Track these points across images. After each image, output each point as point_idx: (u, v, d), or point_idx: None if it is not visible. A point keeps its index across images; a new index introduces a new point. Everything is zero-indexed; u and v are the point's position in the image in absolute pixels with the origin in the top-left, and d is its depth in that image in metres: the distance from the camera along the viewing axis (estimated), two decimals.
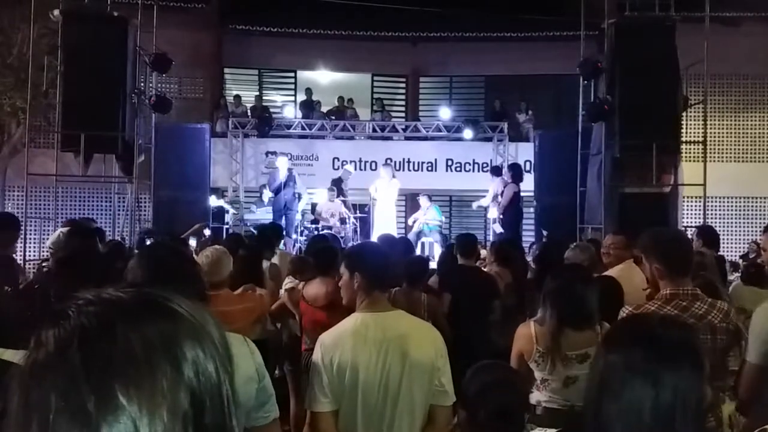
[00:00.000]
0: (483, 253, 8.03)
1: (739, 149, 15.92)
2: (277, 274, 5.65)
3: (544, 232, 10.61)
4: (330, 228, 11.74)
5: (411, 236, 11.86)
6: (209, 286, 3.49)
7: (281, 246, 7.73)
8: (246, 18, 16.54)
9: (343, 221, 12.13)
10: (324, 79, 18.00)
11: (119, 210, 11.62)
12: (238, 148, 15.46)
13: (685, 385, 1.32)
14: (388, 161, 14.35)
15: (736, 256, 12.44)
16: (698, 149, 10.96)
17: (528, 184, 12.27)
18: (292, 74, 18.15)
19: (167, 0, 13.92)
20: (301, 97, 17.40)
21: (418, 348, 2.61)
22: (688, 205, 13.21)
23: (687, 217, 12.97)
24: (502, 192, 11.20)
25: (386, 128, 16.03)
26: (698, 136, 10.95)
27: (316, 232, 11.28)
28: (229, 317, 3.46)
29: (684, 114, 10.14)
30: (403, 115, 18.10)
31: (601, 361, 1.41)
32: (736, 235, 15.02)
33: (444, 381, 2.63)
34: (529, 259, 7.34)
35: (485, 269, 6.31)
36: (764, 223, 12.78)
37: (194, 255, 4.76)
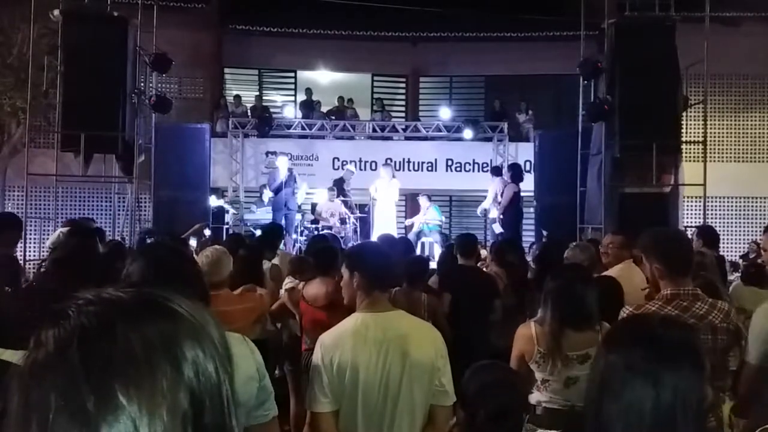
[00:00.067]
0: (483, 253, 8.03)
1: (739, 149, 15.92)
2: (278, 275, 5.65)
3: (544, 232, 10.61)
4: (330, 228, 11.74)
5: (411, 236, 11.86)
6: (209, 286, 3.50)
7: (281, 246, 7.73)
8: (246, 18, 16.54)
9: (343, 221, 12.13)
10: (324, 79, 18.00)
11: (119, 210, 11.62)
12: (238, 148, 15.46)
13: (685, 385, 1.32)
14: (388, 161, 14.35)
15: (736, 256, 12.44)
16: (698, 149, 10.96)
17: (528, 184, 12.28)
18: (292, 74, 18.15)
19: (167, 0, 13.92)
20: (301, 97, 17.40)
21: (419, 348, 2.61)
22: (688, 205, 13.22)
23: (687, 217, 12.98)
24: (502, 192, 11.20)
25: (386, 128, 16.03)
26: (698, 136, 10.95)
27: (316, 232, 11.29)
28: (229, 317, 3.46)
29: (684, 114, 10.14)
30: (403, 115, 18.10)
31: (601, 361, 1.41)
32: (736, 235, 15.02)
33: (444, 381, 2.63)
34: (529, 259, 7.34)
35: (485, 269, 6.31)
36: (764, 223, 12.80)
37: (194, 255, 4.76)
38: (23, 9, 11.06)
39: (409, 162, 15.31)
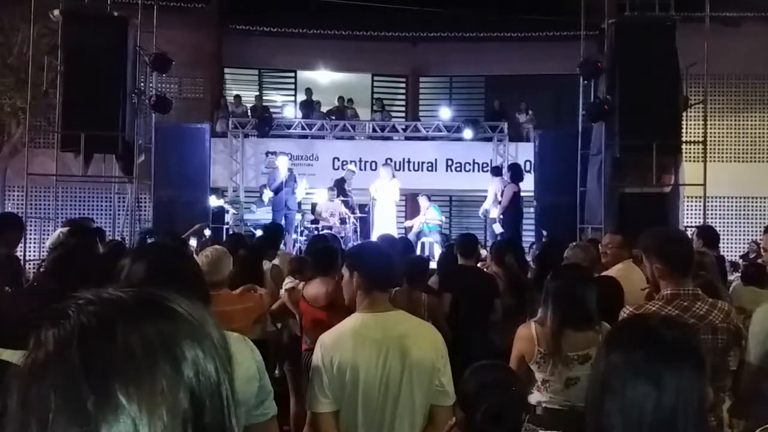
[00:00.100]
0: (484, 253, 8.03)
1: (739, 149, 15.93)
2: (279, 275, 5.65)
3: (544, 232, 10.60)
4: (330, 228, 11.74)
5: (411, 236, 11.86)
6: (209, 286, 3.50)
7: (281, 246, 7.74)
8: (246, 18, 16.54)
9: (343, 221, 12.13)
10: (324, 79, 18.00)
11: (119, 210, 11.62)
12: (238, 148, 15.46)
13: (687, 385, 1.32)
14: (388, 161, 14.35)
15: (736, 256, 12.45)
16: (698, 149, 10.96)
17: (528, 184, 12.27)
18: (292, 74, 18.15)
19: (167, 0, 13.92)
20: (301, 97, 17.40)
21: (419, 348, 2.61)
22: (688, 205, 13.22)
23: (687, 217, 12.97)
24: (502, 192, 11.21)
25: (386, 128, 16.03)
26: (698, 136, 10.95)
27: (316, 232, 11.29)
28: (228, 317, 3.46)
29: (684, 114, 10.14)
30: (403, 115, 18.10)
31: (603, 362, 1.41)
32: (736, 235, 15.02)
33: (444, 381, 2.63)
34: (529, 259, 7.35)
35: (486, 269, 6.30)
36: (764, 223, 12.80)
37: (194, 255, 4.76)
38: (23, 9, 11.07)
39: (409, 162, 15.31)
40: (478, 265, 6.47)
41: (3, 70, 12.93)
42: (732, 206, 15.47)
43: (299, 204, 12.94)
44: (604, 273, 4.65)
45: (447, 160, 15.44)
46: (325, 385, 2.55)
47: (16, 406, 0.69)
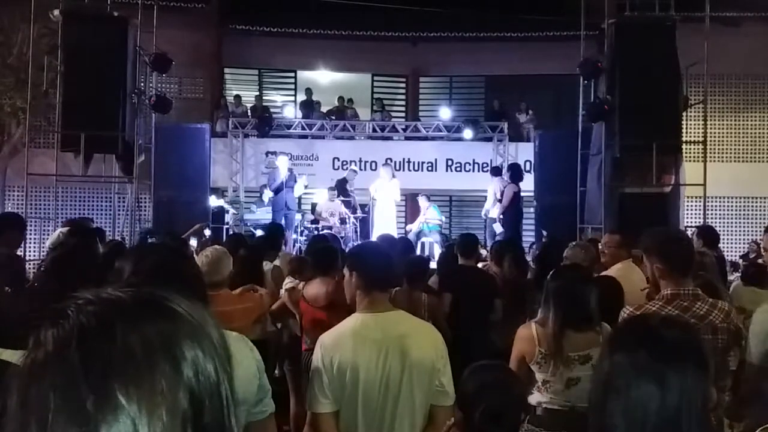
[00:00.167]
0: (484, 253, 8.03)
1: (739, 149, 15.92)
2: (280, 276, 5.64)
3: (544, 232, 10.61)
4: (330, 228, 11.74)
5: (411, 236, 11.87)
6: (209, 286, 3.50)
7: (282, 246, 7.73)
8: (246, 18, 16.54)
9: (343, 221, 12.13)
10: (324, 79, 17.99)
11: (119, 210, 11.62)
12: (238, 148, 15.46)
13: (690, 385, 1.32)
14: (388, 161, 14.35)
15: (736, 256, 12.44)
16: (698, 149, 10.96)
17: (528, 184, 12.28)
18: (292, 74, 18.15)
19: (167, 0, 13.91)
20: (301, 97, 17.40)
21: (419, 348, 2.61)
22: (688, 205, 13.21)
23: (687, 217, 12.97)
24: (502, 192, 11.21)
25: (386, 128, 16.03)
26: (698, 136, 10.96)
27: (316, 232, 11.29)
28: (228, 317, 3.45)
29: (684, 114, 10.14)
30: (403, 115, 18.10)
31: (606, 362, 1.41)
32: (736, 235, 15.02)
33: (444, 381, 2.63)
34: (529, 259, 7.34)
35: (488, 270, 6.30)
36: (764, 223, 12.80)
37: (195, 255, 4.76)
38: (23, 9, 11.07)
39: (409, 162, 15.31)
40: (479, 265, 6.47)
41: (3, 70, 12.93)
42: (732, 206, 15.47)
43: (299, 203, 12.93)
44: (604, 273, 4.65)
45: (447, 160, 15.44)
46: (325, 386, 2.55)
47: (15, 406, 0.69)
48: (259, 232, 10.42)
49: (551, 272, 3.37)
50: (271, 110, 16.76)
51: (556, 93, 16.73)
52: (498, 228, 11.37)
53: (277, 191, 11.94)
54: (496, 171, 12.52)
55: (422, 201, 12.89)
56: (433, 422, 2.63)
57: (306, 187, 12.95)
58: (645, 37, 9.78)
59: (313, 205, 13.46)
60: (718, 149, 15.36)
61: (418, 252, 10.48)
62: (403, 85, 18.36)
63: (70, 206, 13.23)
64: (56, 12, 9.93)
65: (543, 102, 17.02)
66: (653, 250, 2.99)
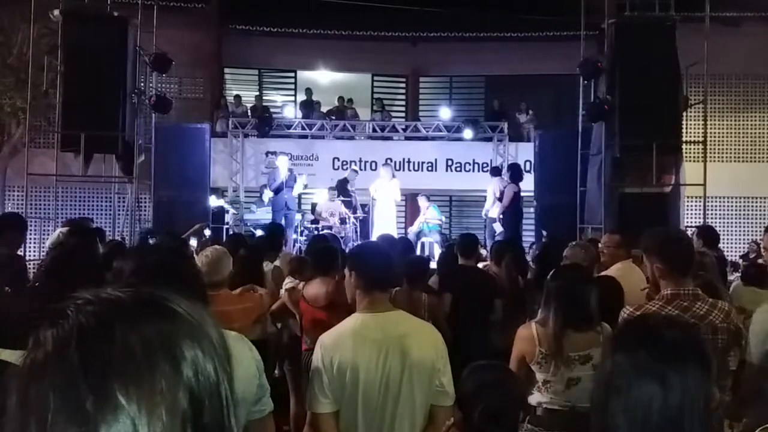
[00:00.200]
0: (484, 252, 8.03)
1: (739, 149, 15.92)
2: (280, 277, 5.63)
3: (544, 232, 10.61)
4: (330, 228, 11.74)
5: (411, 236, 11.86)
6: (209, 286, 3.50)
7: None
8: (246, 18, 16.54)
9: (343, 221, 12.13)
10: (324, 79, 17.99)
11: (119, 210, 11.63)
12: (238, 148, 15.46)
13: (692, 385, 1.32)
14: (388, 161, 14.35)
15: (736, 256, 12.44)
16: (698, 149, 10.96)
17: (528, 184, 12.28)
18: (292, 74, 18.14)
19: (167, 0, 13.91)
20: (301, 97, 17.39)
21: (419, 348, 2.61)
22: (688, 205, 13.22)
23: (687, 217, 12.97)
24: (502, 192, 11.21)
25: (386, 128, 16.02)
26: (698, 136, 10.96)
27: (316, 232, 11.29)
28: (228, 317, 3.45)
29: (684, 114, 10.14)
30: (403, 115, 18.10)
31: (608, 362, 1.41)
32: (736, 235, 15.02)
33: (444, 381, 2.62)
34: (529, 259, 7.34)
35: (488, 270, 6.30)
36: (764, 223, 12.80)
37: (194, 255, 4.76)
38: (23, 9, 11.07)
39: (409, 162, 15.30)
40: (480, 265, 6.47)
41: (3, 70, 12.93)
42: (732, 206, 15.47)
43: (299, 203, 12.91)
44: (604, 273, 4.65)
45: (447, 160, 15.43)
46: (325, 386, 2.55)
47: (15, 406, 0.69)
48: (259, 232, 10.42)
49: (551, 272, 3.37)
50: (271, 110, 16.75)
51: (556, 93, 16.73)
52: (498, 227, 11.37)
53: (277, 191, 11.94)
54: (495, 171, 12.52)
55: (422, 201, 12.90)
56: (433, 422, 2.63)
57: (306, 186, 12.95)
58: (645, 37, 9.78)
59: (313, 205, 13.45)
60: (718, 149, 15.36)
61: (418, 252, 10.48)
62: (403, 85, 18.36)
63: (70, 206, 13.23)
64: (56, 12, 9.93)
65: (543, 102, 17.02)
66: (653, 250, 2.99)
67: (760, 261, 6.60)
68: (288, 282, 5.21)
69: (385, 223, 11.98)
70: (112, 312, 0.72)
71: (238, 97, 16.74)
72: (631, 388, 1.33)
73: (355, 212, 12.48)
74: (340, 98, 16.95)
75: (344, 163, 14.93)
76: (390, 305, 2.73)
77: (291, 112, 16.89)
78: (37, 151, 12.09)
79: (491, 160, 15.09)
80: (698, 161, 10.70)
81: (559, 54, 14.40)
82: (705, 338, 2.71)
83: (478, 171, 15.13)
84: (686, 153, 10.84)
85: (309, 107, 16.73)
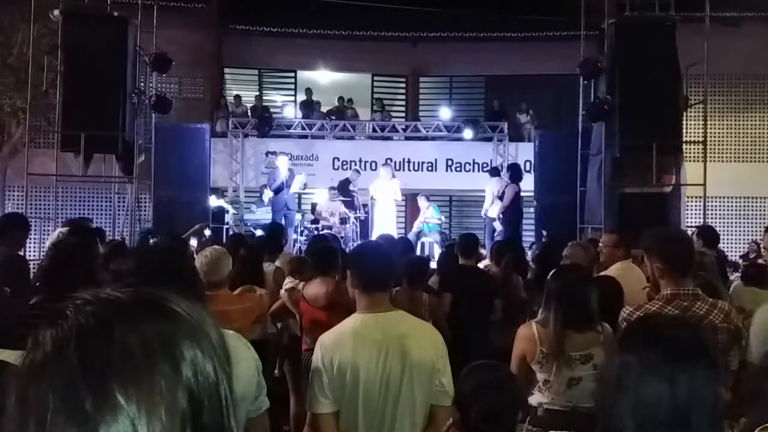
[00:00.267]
0: (484, 252, 8.03)
1: (739, 149, 15.92)
2: (282, 278, 5.61)
3: (544, 232, 10.61)
4: (330, 228, 11.74)
5: (411, 236, 11.87)
6: (208, 286, 3.50)
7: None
8: (246, 18, 16.53)
9: (343, 221, 12.13)
10: (324, 79, 17.99)
11: (119, 210, 11.62)
12: (238, 148, 15.46)
13: (700, 384, 1.32)
14: (388, 161, 14.34)
15: (736, 256, 12.43)
16: (698, 149, 10.96)
17: (528, 184, 12.27)
18: (292, 74, 18.14)
19: (167, 0, 13.91)
20: (301, 97, 17.39)
21: (419, 348, 2.60)
22: (688, 205, 13.21)
23: (687, 217, 12.97)
24: (503, 192, 11.21)
25: (386, 128, 16.02)
26: (698, 136, 10.96)
27: (316, 232, 11.29)
28: (227, 317, 3.45)
29: (684, 114, 10.13)
30: (403, 115, 18.09)
31: (615, 362, 1.40)
32: (736, 235, 15.01)
33: (444, 381, 2.62)
34: (529, 259, 7.35)
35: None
36: (764, 223, 12.80)
37: (195, 255, 4.76)
38: (23, 9, 11.07)
39: (409, 162, 15.30)
40: (480, 265, 6.47)
41: (3, 70, 12.92)
42: (732, 206, 15.46)
43: (299, 203, 12.89)
44: (604, 273, 4.65)
45: (447, 160, 15.43)
46: (325, 386, 2.55)
47: (14, 406, 0.68)
48: (259, 232, 10.43)
49: (552, 272, 3.37)
50: (271, 110, 16.75)
51: (556, 93, 16.73)
52: (497, 226, 11.37)
53: (277, 191, 11.94)
54: (494, 171, 12.52)
55: (421, 201, 12.90)
56: (433, 422, 2.63)
57: (305, 185, 12.94)
58: (645, 37, 9.78)
59: (313, 205, 13.45)
60: (718, 149, 15.35)
61: (418, 252, 10.48)
62: (403, 85, 18.35)
63: (70, 206, 13.23)
64: (56, 12, 9.93)
65: (543, 102, 17.01)
66: (653, 250, 2.99)
67: (760, 261, 6.60)
68: (288, 282, 5.21)
69: (385, 223, 11.98)
70: (112, 312, 0.72)
71: (238, 97, 16.74)
72: (638, 388, 1.32)
73: (357, 212, 12.47)
74: (340, 98, 16.95)
75: (344, 163, 14.93)
76: (390, 305, 2.73)
77: (291, 112, 16.89)
78: (37, 151, 12.09)
79: (491, 160, 15.09)
80: (698, 161, 10.70)
81: (559, 54, 14.40)
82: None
83: (478, 171, 15.12)
84: (686, 153, 10.84)
85: (309, 107, 16.73)
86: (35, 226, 12.13)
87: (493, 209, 11.66)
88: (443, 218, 14.31)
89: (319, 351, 2.62)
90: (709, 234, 6.15)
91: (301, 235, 12.05)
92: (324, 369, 2.56)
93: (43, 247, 9.53)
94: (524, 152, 14.70)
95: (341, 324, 2.70)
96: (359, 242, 10.07)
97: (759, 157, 15.88)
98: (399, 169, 14.41)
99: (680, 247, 3.02)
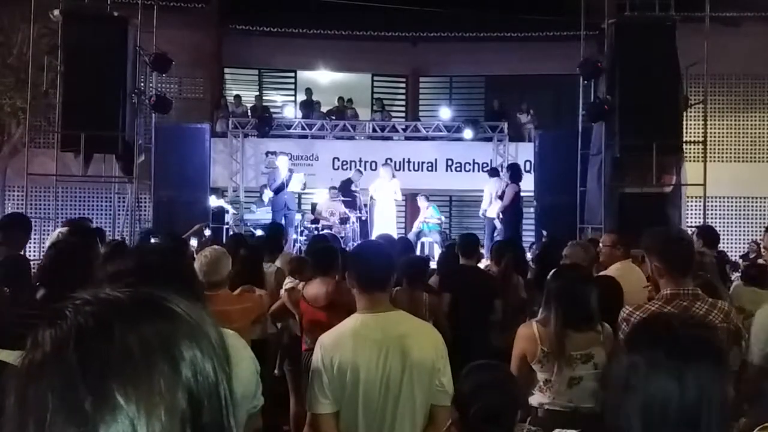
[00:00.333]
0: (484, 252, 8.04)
1: (739, 149, 15.91)
2: (283, 278, 5.60)
3: (544, 232, 10.61)
4: (330, 227, 11.74)
5: (411, 236, 11.86)
6: (208, 286, 3.50)
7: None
8: (246, 18, 16.53)
9: (343, 221, 12.13)
10: (324, 79, 17.99)
11: (119, 210, 11.63)
12: (238, 148, 15.46)
13: (708, 383, 1.32)
14: (388, 161, 14.34)
15: (736, 256, 12.43)
16: (698, 149, 10.96)
17: (528, 184, 12.28)
18: (292, 74, 18.14)
19: (167, 0, 13.91)
20: (301, 97, 17.39)
21: (419, 348, 2.60)
22: (688, 205, 13.21)
23: (687, 217, 12.97)
24: (502, 192, 11.21)
25: (386, 128, 16.02)
26: (698, 136, 10.96)
27: (316, 232, 11.29)
28: (227, 317, 3.45)
29: (684, 114, 10.13)
30: (403, 115, 18.09)
31: (623, 362, 1.40)
32: (736, 235, 15.01)
33: (444, 381, 2.62)
34: (529, 259, 7.35)
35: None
36: (764, 223, 12.81)
37: (195, 255, 4.76)
38: (23, 9, 11.07)
39: (409, 162, 15.30)
40: (481, 265, 6.46)
41: (3, 70, 12.93)
42: (732, 206, 15.46)
43: (299, 203, 12.88)
44: (604, 272, 4.65)
45: (447, 160, 15.43)
46: (325, 386, 2.55)
47: (13, 406, 0.68)
48: (259, 232, 10.42)
49: (552, 272, 3.37)
50: (271, 110, 16.75)
51: (556, 93, 16.73)
52: (498, 224, 11.37)
53: (277, 191, 11.93)
54: (493, 172, 12.52)
55: (421, 201, 12.90)
56: (433, 422, 2.63)
57: (305, 185, 12.94)
58: (645, 37, 9.78)
59: (313, 205, 13.45)
60: (718, 149, 15.35)
61: (418, 252, 10.48)
62: (403, 85, 18.35)
63: (70, 206, 13.23)
64: (56, 12, 9.93)
65: (543, 102, 17.01)
66: (654, 250, 2.99)
67: (760, 261, 6.60)
68: (288, 282, 5.21)
69: (385, 223, 11.98)
70: (111, 312, 0.72)
71: (238, 97, 16.73)
72: (646, 388, 1.32)
73: (359, 212, 12.47)
74: (340, 98, 16.95)
75: (344, 163, 14.94)
76: (390, 305, 2.73)
77: (291, 112, 16.88)
78: (37, 151, 12.09)
79: (491, 160, 15.09)
80: (698, 161, 10.70)
81: (559, 54, 14.40)
82: None
83: (478, 171, 15.12)
84: (686, 153, 10.84)
85: (309, 107, 16.73)
86: (35, 226, 12.11)
87: (492, 209, 11.66)
88: (443, 218, 14.31)
89: (319, 351, 2.62)
90: (709, 234, 6.15)
91: (301, 235, 12.05)
92: (324, 369, 2.56)
93: (43, 247, 9.54)
94: (524, 152, 14.71)
95: (341, 324, 2.70)
96: (359, 242, 10.07)
97: (759, 157, 15.88)
98: (399, 169, 14.41)
99: (680, 247, 3.02)
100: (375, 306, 2.65)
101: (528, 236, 12.41)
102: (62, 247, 3.60)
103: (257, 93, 17.41)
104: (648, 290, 3.34)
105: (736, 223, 15.38)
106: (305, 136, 15.80)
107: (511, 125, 15.82)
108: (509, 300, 5.64)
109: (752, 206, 15.58)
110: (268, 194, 12.49)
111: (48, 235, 8.53)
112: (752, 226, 14.99)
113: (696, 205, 11.76)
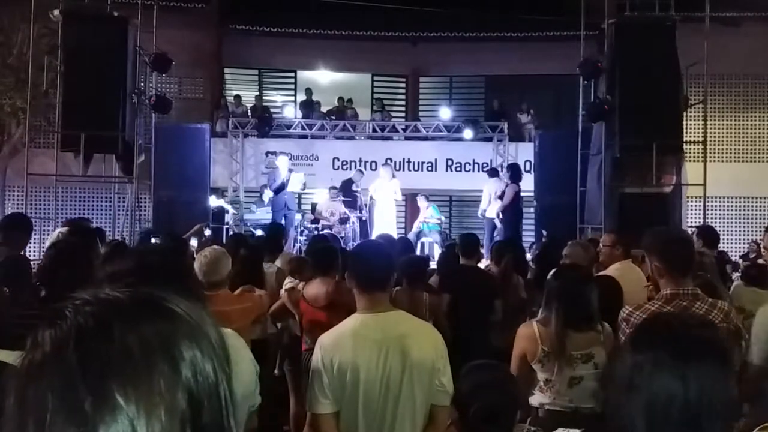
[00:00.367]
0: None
1: (739, 149, 15.92)
2: (283, 279, 5.60)
3: (544, 232, 10.61)
4: (330, 227, 11.74)
5: (411, 236, 11.86)
6: (207, 286, 3.50)
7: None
8: (246, 18, 16.54)
9: (343, 221, 12.13)
10: (324, 79, 17.99)
11: (119, 210, 11.62)
12: (238, 148, 15.46)
13: (712, 382, 1.32)
14: (388, 161, 14.34)
15: (736, 256, 12.44)
16: (698, 149, 10.96)
17: (528, 184, 12.28)
18: (292, 74, 18.14)
19: (167, 0, 13.91)
20: (301, 97, 17.39)
21: (419, 348, 2.60)
22: (688, 205, 13.21)
23: (687, 217, 12.97)
24: (502, 192, 11.21)
25: (386, 128, 16.03)
26: (698, 136, 10.96)
27: (316, 232, 11.29)
28: (227, 317, 3.45)
29: (684, 114, 10.14)
30: (403, 115, 18.09)
31: (626, 361, 1.40)
32: (736, 235, 15.02)
33: (445, 381, 2.62)
34: (529, 258, 7.35)
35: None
36: (764, 223, 12.81)
37: (195, 255, 4.75)
38: (23, 9, 11.07)
39: (409, 162, 15.30)
40: (481, 265, 6.46)
41: (3, 70, 12.93)
42: (732, 206, 15.46)
43: (299, 203, 12.88)
44: (603, 272, 4.65)
45: (447, 160, 15.43)
46: (325, 386, 2.55)
47: (13, 406, 0.68)
48: (259, 232, 10.42)
49: (552, 272, 3.37)
50: (271, 110, 16.75)
51: (556, 93, 16.73)
52: (498, 224, 11.36)
53: (277, 191, 11.94)
54: (493, 172, 12.52)
55: (421, 201, 12.89)
56: (433, 422, 2.63)
57: (305, 185, 12.93)
58: (645, 37, 9.79)
59: (313, 205, 13.45)
60: (718, 149, 15.35)
61: (418, 252, 10.48)
62: (403, 85, 18.35)
63: (70, 206, 13.23)
64: (56, 12, 9.93)
65: (543, 102, 17.02)
66: (654, 250, 2.99)
67: (760, 261, 6.60)
68: (288, 282, 5.21)
69: (385, 224, 11.98)
70: (111, 312, 0.72)
71: (238, 97, 16.74)
72: (650, 387, 1.32)
73: (360, 212, 12.46)
74: (340, 98, 16.95)
75: (344, 163, 14.94)
76: (390, 305, 2.73)
77: (291, 112, 16.88)
78: (37, 151, 12.09)
79: (491, 160, 15.09)
80: (698, 161, 10.70)
81: (559, 54, 14.40)
82: None
83: (478, 171, 15.11)
84: (686, 153, 10.84)
85: (309, 107, 16.73)
86: (35, 226, 12.10)
87: (491, 209, 11.66)
88: (443, 218, 14.31)
89: (318, 351, 2.62)
90: (709, 234, 6.15)
91: (301, 235, 12.05)
92: (324, 369, 2.56)
93: (43, 247, 9.53)
94: (524, 152, 14.71)
95: (341, 324, 2.70)
96: (359, 242, 10.06)
97: (759, 157, 15.88)
98: (399, 169, 14.41)
99: (680, 247, 3.02)
100: (375, 306, 2.65)
101: (528, 236, 12.41)
102: (62, 247, 3.60)
103: (257, 93, 17.41)
104: (648, 290, 3.34)
105: (736, 223, 15.38)
106: (305, 136, 15.80)
107: (511, 125, 15.82)
108: (509, 300, 5.64)
109: (752, 206, 15.58)
110: (268, 194, 12.49)
111: (48, 235, 8.52)
112: (752, 226, 14.99)
113: (696, 205, 11.76)
